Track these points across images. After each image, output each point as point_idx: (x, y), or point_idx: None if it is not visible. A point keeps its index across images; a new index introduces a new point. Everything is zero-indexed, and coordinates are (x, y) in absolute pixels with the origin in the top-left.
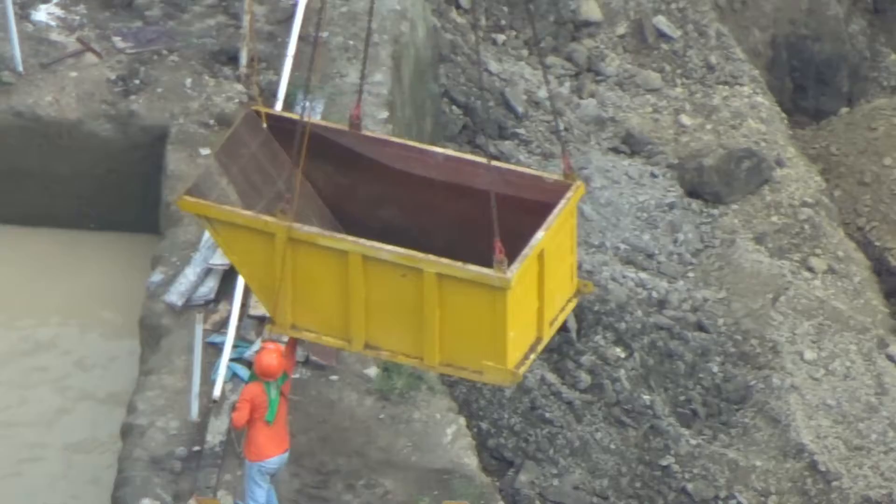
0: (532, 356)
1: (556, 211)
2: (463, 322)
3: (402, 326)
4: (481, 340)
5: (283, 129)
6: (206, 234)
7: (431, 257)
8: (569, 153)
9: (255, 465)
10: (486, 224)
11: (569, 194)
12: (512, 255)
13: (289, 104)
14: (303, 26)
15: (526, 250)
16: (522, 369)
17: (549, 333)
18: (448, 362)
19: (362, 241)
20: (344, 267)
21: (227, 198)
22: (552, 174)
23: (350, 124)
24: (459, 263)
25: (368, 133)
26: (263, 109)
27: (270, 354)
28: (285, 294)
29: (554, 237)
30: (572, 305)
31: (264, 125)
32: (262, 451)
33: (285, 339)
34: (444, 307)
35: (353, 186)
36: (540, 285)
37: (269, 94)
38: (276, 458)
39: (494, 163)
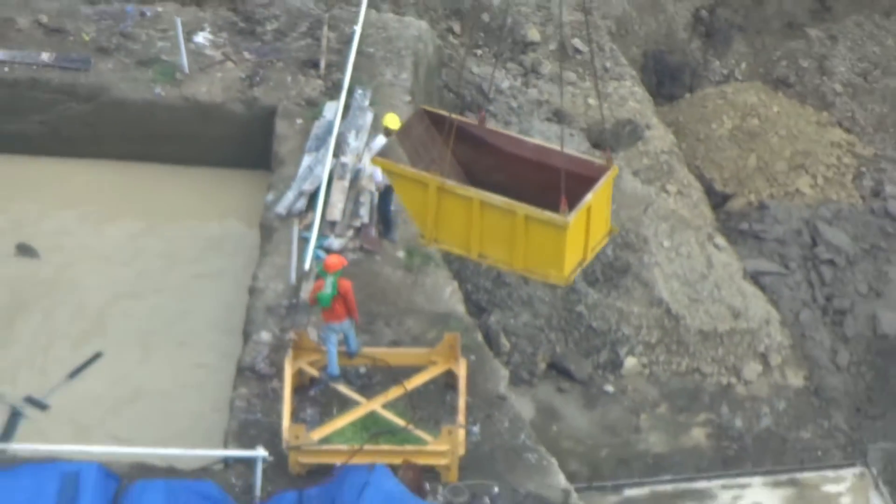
0: (578, 269)
1: (599, 182)
2: (538, 245)
3: (501, 245)
4: (548, 257)
5: (438, 121)
6: (301, 170)
7: (522, 204)
8: (610, 149)
9: (324, 325)
10: (557, 187)
11: (608, 173)
12: (571, 207)
13: (349, 93)
14: (358, 45)
15: (580, 205)
16: (572, 277)
17: (590, 256)
18: (527, 269)
19: (482, 192)
20: (469, 207)
21: (400, 160)
22: (599, 160)
23: (479, 120)
24: (538, 209)
25: (490, 127)
26: (428, 108)
27: (332, 257)
28: (432, 221)
29: (597, 198)
30: (606, 240)
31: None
32: (324, 318)
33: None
34: (528, 235)
35: (478, 159)
36: (587, 227)
37: (336, 88)
38: (335, 325)
39: (566, 150)
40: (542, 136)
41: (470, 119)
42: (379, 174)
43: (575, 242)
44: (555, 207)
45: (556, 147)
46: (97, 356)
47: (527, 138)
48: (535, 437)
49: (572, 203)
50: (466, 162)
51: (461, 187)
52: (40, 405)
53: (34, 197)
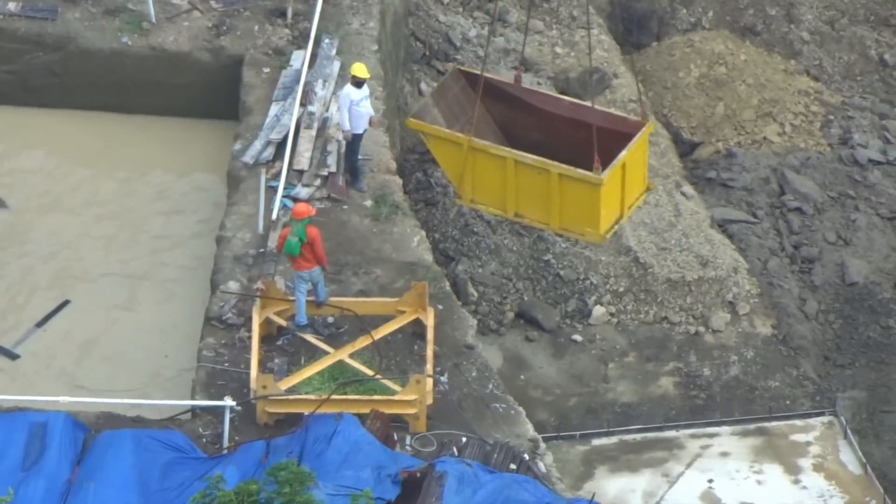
0: (615, 226)
1: (634, 139)
2: (573, 203)
3: (537, 204)
4: (584, 215)
5: (473, 81)
6: (268, 119)
7: (556, 163)
8: (644, 104)
9: (294, 273)
10: (591, 144)
11: (643, 129)
12: (606, 164)
13: (316, 42)
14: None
15: (614, 162)
16: (608, 235)
17: (627, 213)
18: (563, 227)
19: (515, 151)
20: (503, 166)
21: (435, 120)
22: (634, 117)
23: (514, 79)
24: (571, 167)
25: (525, 86)
26: (463, 68)
27: (301, 205)
28: (468, 180)
29: (632, 155)
30: (644, 197)
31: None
32: (293, 266)
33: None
34: (563, 194)
35: (515, 118)
36: (622, 184)
37: (304, 37)
38: (304, 273)
39: (598, 107)
40: None
41: (505, 78)
42: (347, 120)
43: (610, 200)
44: (591, 165)
45: (588, 104)
46: (64, 304)
47: (562, 96)
48: (503, 387)
49: (607, 161)
50: (503, 122)
51: (494, 147)
52: (10, 355)
53: (1, 146)
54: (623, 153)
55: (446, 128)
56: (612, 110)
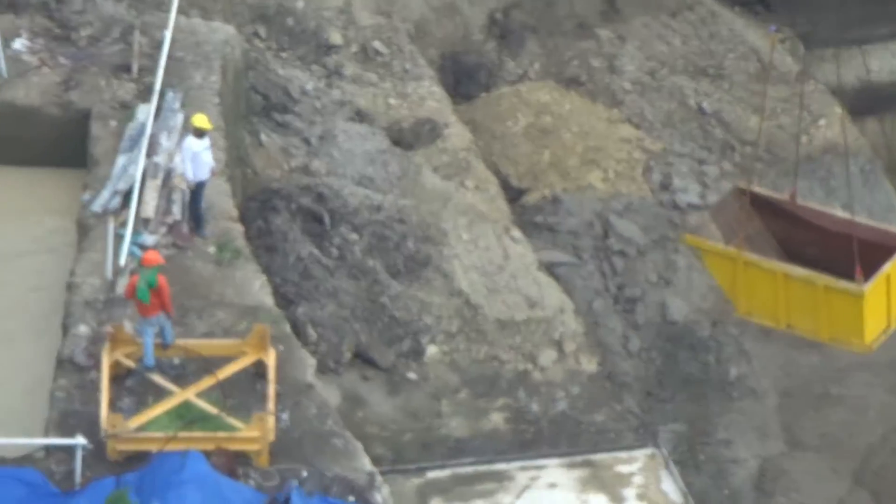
0: (883, 337)
1: None
2: (840, 314)
3: (806, 315)
4: (849, 325)
5: (753, 197)
6: (115, 170)
7: (821, 275)
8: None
9: (141, 319)
10: (865, 258)
11: None
12: (868, 277)
13: (161, 96)
14: (169, 50)
15: (877, 273)
16: (876, 345)
17: (894, 325)
18: (832, 337)
19: (783, 264)
20: (774, 279)
21: (713, 236)
22: None
23: (790, 196)
24: (834, 279)
25: (800, 202)
26: (745, 187)
27: (151, 252)
28: (742, 293)
29: None
30: None
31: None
32: (140, 312)
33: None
34: (830, 305)
35: (793, 234)
36: (888, 295)
37: (149, 91)
38: (151, 318)
39: (865, 221)
40: (344, 134)
41: (781, 196)
42: (190, 171)
43: (875, 310)
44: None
45: (863, 220)
46: None
47: (834, 211)
48: (342, 423)
49: (869, 272)
50: (783, 237)
51: (764, 260)
52: None
53: None
54: (887, 265)
55: (724, 244)
56: (882, 225)
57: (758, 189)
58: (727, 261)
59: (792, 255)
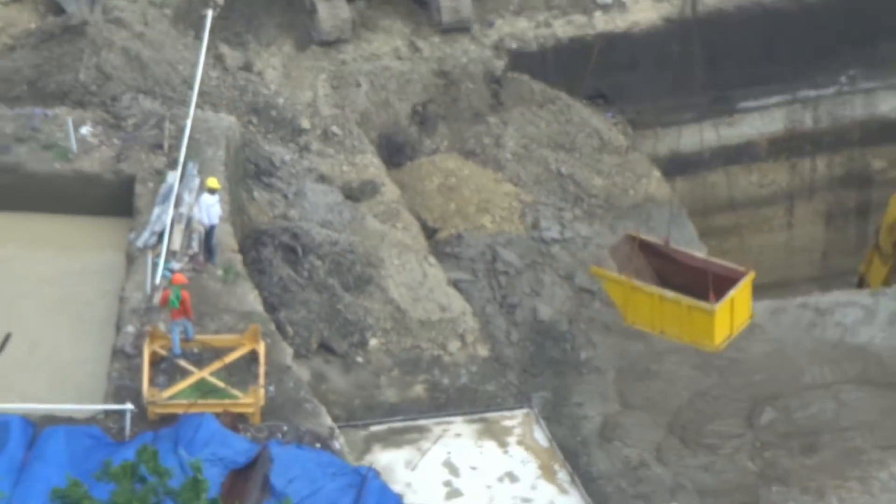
0: (728, 340)
1: (740, 282)
2: (697, 324)
3: (674, 324)
4: (704, 332)
5: (641, 244)
6: (153, 217)
7: (685, 297)
8: (751, 267)
9: (171, 321)
10: (716, 285)
11: (746, 277)
12: (717, 299)
13: (184, 165)
14: (189, 133)
15: (725, 297)
16: (722, 347)
17: (735, 333)
18: (692, 340)
19: (659, 289)
20: (652, 299)
21: (611, 268)
22: (741, 267)
23: (664, 241)
24: (695, 300)
25: (672, 246)
26: (634, 235)
27: (178, 274)
28: (631, 309)
29: (739, 293)
30: (748, 322)
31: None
32: (172, 315)
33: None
34: (690, 318)
35: (665, 267)
36: (731, 312)
37: (175, 162)
38: (178, 321)
39: (714, 259)
40: (312, 191)
41: (656, 239)
42: (205, 217)
43: (722, 323)
44: (707, 297)
45: (715, 259)
46: (9, 337)
47: (695, 252)
48: (311, 393)
49: (719, 296)
50: (659, 270)
51: (646, 286)
52: None
53: None
54: (731, 292)
55: (618, 273)
56: (728, 263)
57: (643, 236)
58: (620, 286)
59: (665, 282)
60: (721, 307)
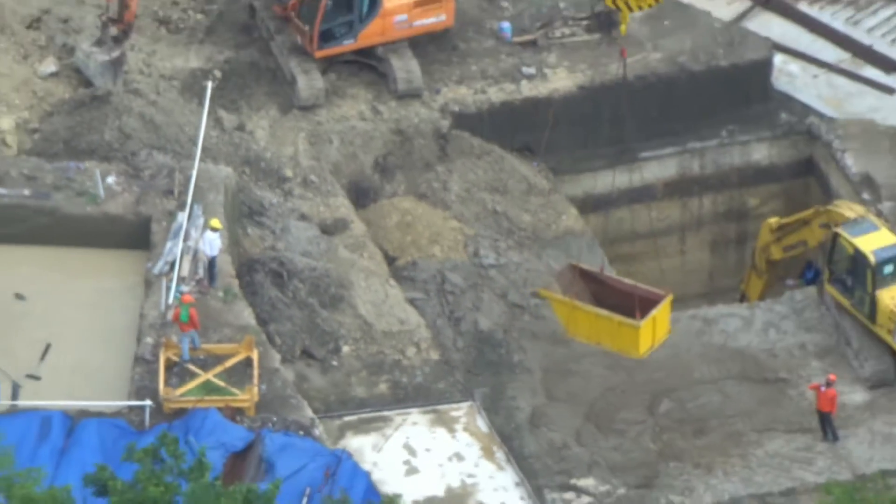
0: (650, 350)
1: (660, 303)
2: (625, 337)
3: (607, 337)
4: (632, 344)
5: (581, 272)
6: (166, 250)
7: (616, 315)
8: (669, 289)
9: (182, 333)
10: (641, 305)
11: (665, 299)
12: (642, 317)
13: (191, 208)
14: (195, 181)
15: (648, 316)
16: (646, 355)
17: (657, 345)
18: (621, 350)
19: (596, 308)
20: (589, 317)
21: (556, 291)
22: (661, 290)
23: (600, 269)
24: (624, 318)
25: (606, 273)
26: (573, 263)
27: (187, 295)
28: (572, 324)
29: (660, 312)
30: (668, 335)
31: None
32: (181, 329)
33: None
34: (620, 332)
35: (600, 290)
36: (653, 328)
37: (184, 205)
38: (187, 332)
39: (640, 285)
40: (295, 228)
41: (593, 268)
42: (208, 249)
43: (646, 336)
44: (634, 315)
45: (640, 285)
46: (49, 347)
47: (624, 279)
48: (295, 391)
49: (644, 314)
50: (595, 293)
51: (585, 305)
52: (35, 378)
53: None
54: (653, 311)
55: (561, 295)
56: (651, 287)
57: (582, 265)
58: (564, 305)
59: (600, 303)
60: (645, 323)
